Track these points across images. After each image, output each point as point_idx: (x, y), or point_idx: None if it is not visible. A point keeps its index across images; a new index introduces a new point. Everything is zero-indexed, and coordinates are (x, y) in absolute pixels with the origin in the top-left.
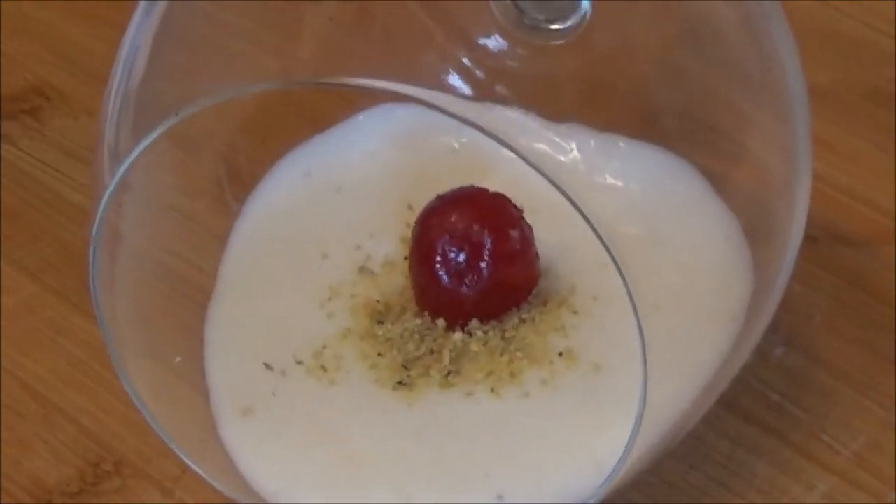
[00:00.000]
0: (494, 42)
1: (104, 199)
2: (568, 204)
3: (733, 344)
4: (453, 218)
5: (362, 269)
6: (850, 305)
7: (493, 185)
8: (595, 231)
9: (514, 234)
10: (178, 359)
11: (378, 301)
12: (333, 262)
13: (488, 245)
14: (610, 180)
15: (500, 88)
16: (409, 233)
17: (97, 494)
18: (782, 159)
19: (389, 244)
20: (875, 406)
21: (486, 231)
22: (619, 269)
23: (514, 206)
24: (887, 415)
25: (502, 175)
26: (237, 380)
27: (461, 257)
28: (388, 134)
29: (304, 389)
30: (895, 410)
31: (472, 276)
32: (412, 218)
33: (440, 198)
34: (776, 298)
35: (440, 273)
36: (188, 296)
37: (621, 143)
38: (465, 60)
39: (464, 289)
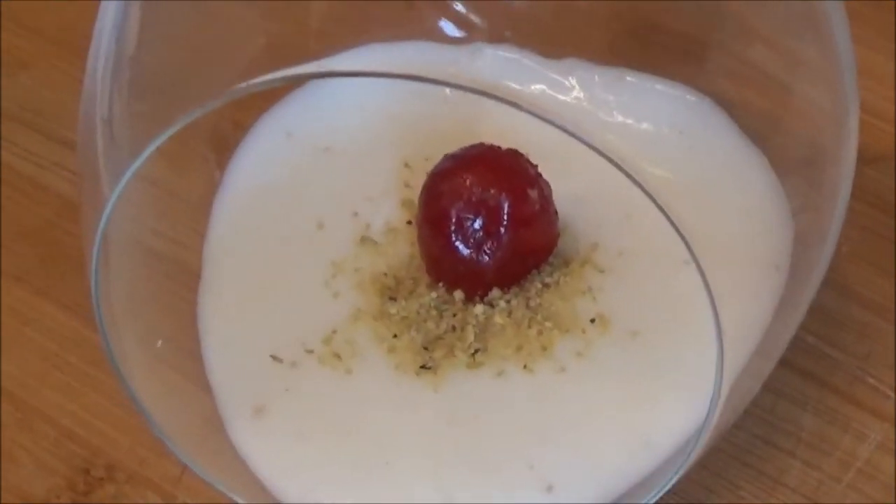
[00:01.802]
0: None
1: (107, 210)
2: (581, 152)
3: (781, 297)
4: (467, 181)
5: (364, 240)
6: (877, 232)
7: (492, 134)
8: (639, 184)
9: (533, 193)
10: (159, 342)
11: (385, 275)
12: (331, 232)
13: (506, 209)
14: (620, 118)
15: (490, 26)
16: (408, 194)
17: None
18: (830, 97)
19: (389, 208)
20: None
21: (504, 194)
22: (670, 220)
23: (530, 163)
24: None
25: (501, 122)
26: (244, 376)
27: (478, 224)
28: (376, 82)
29: (320, 382)
30: None
31: (492, 244)
32: (410, 177)
33: (449, 159)
34: (830, 247)
35: (456, 243)
36: (183, 282)
37: (629, 78)
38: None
39: (483, 258)
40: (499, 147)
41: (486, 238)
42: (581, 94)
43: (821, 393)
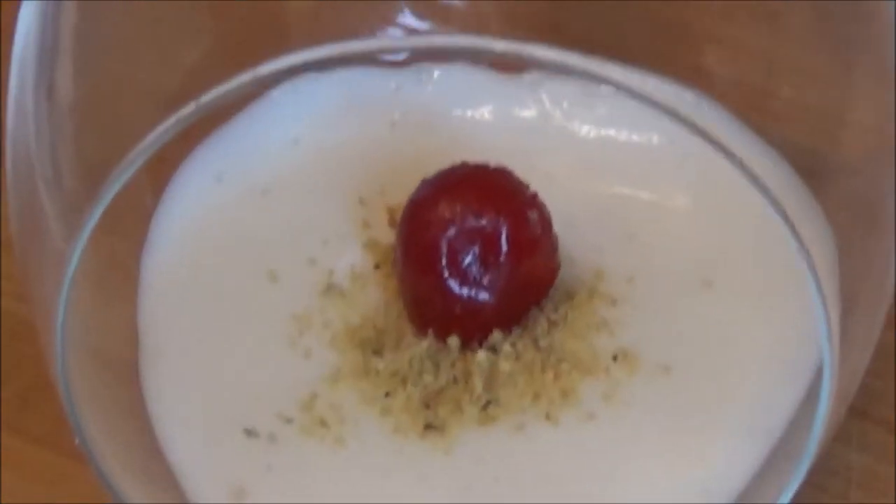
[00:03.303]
0: None
1: (65, 288)
2: (568, 167)
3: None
4: (456, 207)
5: (329, 289)
6: None
7: (453, 159)
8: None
9: (533, 216)
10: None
11: (361, 326)
12: (286, 284)
13: (505, 235)
14: (602, 132)
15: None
16: (371, 235)
17: None
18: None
19: (350, 252)
20: None
21: (501, 218)
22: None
23: (522, 183)
24: None
25: (462, 144)
26: (214, 458)
27: (474, 256)
28: (311, 113)
29: (307, 455)
30: None
31: (491, 277)
32: (368, 215)
33: (430, 183)
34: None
35: (449, 281)
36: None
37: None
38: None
39: (482, 295)
40: (486, 165)
41: (485, 271)
42: (551, 110)
43: (863, 426)
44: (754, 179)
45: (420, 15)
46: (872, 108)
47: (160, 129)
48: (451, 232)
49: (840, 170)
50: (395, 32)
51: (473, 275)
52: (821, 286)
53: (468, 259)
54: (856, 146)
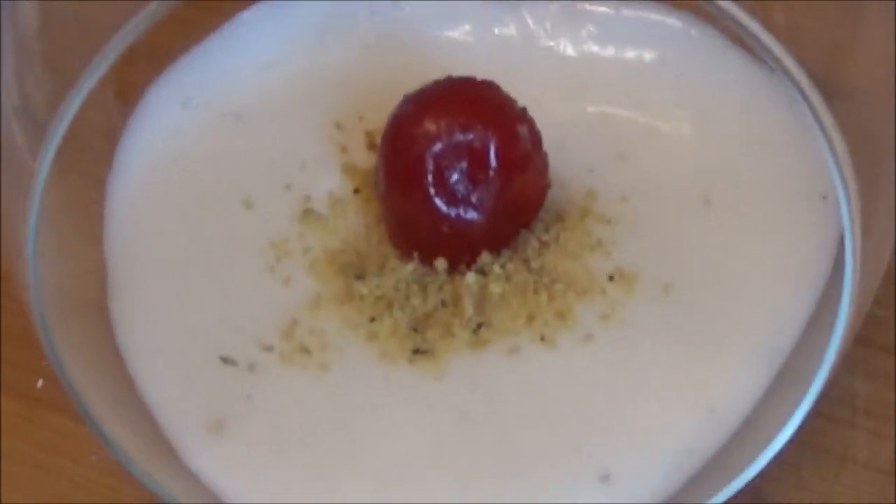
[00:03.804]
0: None
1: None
2: (557, 85)
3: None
4: (442, 121)
5: (307, 214)
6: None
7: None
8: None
9: (523, 130)
10: (39, 382)
11: (342, 251)
12: (262, 210)
13: (494, 150)
14: (593, 48)
15: None
16: (349, 159)
17: None
18: None
19: (328, 177)
20: None
21: (490, 132)
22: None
23: (511, 98)
24: None
25: (442, 64)
26: (190, 390)
27: (461, 172)
28: (285, 36)
29: (289, 383)
30: None
31: (480, 195)
32: (346, 139)
33: (414, 98)
34: None
35: (436, 199)
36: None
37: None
38: None
39: (470, 214)
40: (473, 78)
41: (473, 188)
42: (535, 30)
43: (867, 353)
44: (772, 56)
45: None
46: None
47: (122, 31)
48: (437, 147)
49: (844, 96)
50: None
51: (461, 192)
52: (843, 173)
53: (455, 176)
54: (861, 73)
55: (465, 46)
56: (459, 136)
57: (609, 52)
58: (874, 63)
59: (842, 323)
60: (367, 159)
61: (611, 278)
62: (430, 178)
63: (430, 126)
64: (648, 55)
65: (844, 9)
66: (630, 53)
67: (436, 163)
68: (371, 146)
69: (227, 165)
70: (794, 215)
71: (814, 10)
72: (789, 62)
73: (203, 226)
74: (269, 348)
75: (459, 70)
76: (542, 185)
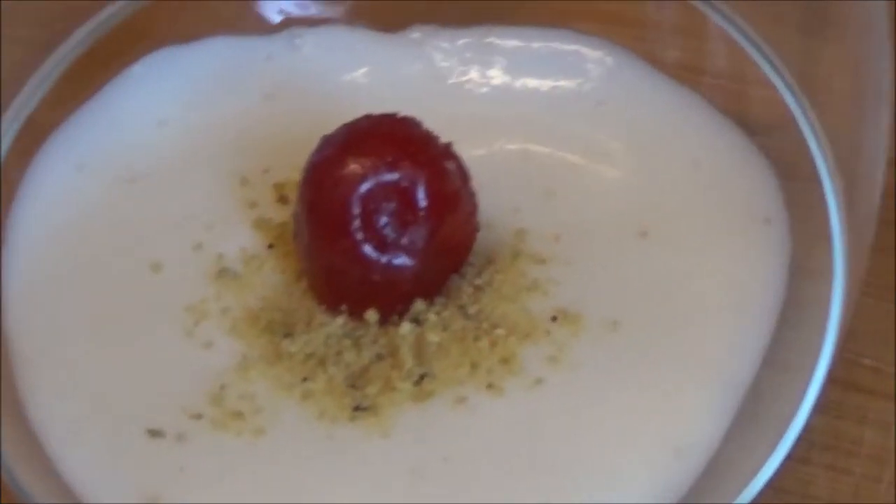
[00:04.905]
0: None
1: None
2: (471, 128)
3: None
4: (367, 161)
5: (222, 274)
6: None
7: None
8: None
9: (451, 166)
10: None
11: (263, 309)
12: (173, 273)
13: (424, 189)
14: (505, 80)
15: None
16: (259, 213)
17: None
18: None
19: (239, 234)
20: None
21: (418, 168)
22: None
23: (433, 133)
24: None
25: (344, 112)
26: (118, 466)
27: (390, 214)
28: (178, 89)
29: (223, 451)
30: None
31: (410, 238)
32: (253, 195)
33: (332, 140)
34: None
35: (365, 245)
36: None
37: (497, 38)
38: None
39: (401, 259)
40: (393, 115)
41: (403, 231)
42: (443, 67)
43: None
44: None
45: None
46: None
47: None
48: (364, 189)
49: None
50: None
51: (391, 236)
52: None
53: (384, 219)
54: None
55: (368, 89)
56: (386, 176)
57: (523, 85)
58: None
59: (822, 369)
60: (278, 213)
61: (554, 319)
62: (357, 223)
63: (355, 167)
64: (564, 86)
65: None
66: (545, 86)
67: (363, 206)
68: (282, 199)
69: (130, 229)
70: (736, 241)
71: None
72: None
73: (110, 293)
74: (198, 416)
75: (365, 113)
76: (472, 224)
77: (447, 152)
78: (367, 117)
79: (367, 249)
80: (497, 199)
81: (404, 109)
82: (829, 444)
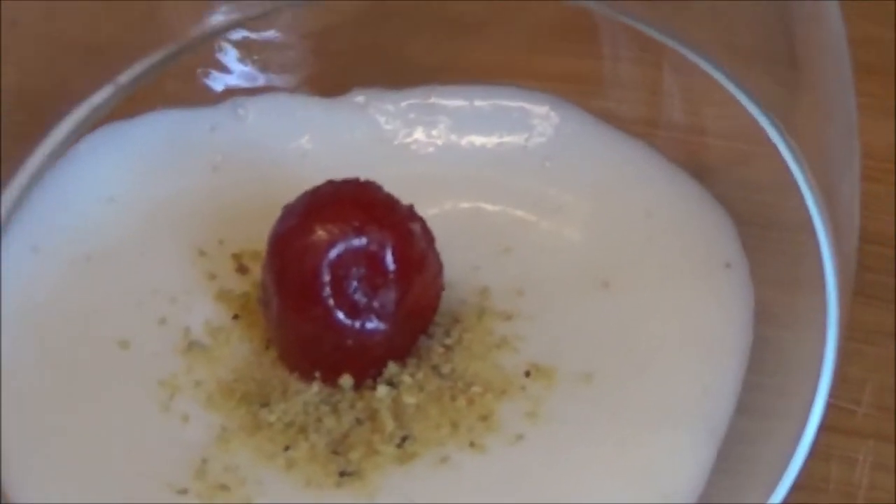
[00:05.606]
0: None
1: None
2: (419, 189)
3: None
4: (334, 227)
5: (191, 347)
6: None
7: (290, 194)
8: None
9: (416, 228)
10: None
11: (236, 381)
12: (141, 349)
13: (391, 250)
14: (452, 139)
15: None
16: (221, 285)
17: None
18: None
19: (202, 306)
20: (865, 344)
21: (385, 232)
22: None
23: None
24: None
25: (294, 179)
26: None
27: (359, 278)
28: (125, 164)
29: None
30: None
31: (380, 301)
32: (212, 266)
33: (294, 209)
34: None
35: (337, 311)
36: None
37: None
38: None
39: (373, 323)
40: (356, 179)
41: (374, 295)
42: (388, 129)
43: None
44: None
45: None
46: None
47: None
48: (333, 255)
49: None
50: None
51: (362, 301)
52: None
53: (354, 284)
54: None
55: (314, 155)
56: (354, 241)
57: (469, 143)
58: None
59: (816, 415)
60: (239, 284)
61: (527, 374)
62: (328, 290)
63: (322, 234)
64: (510, 143)
65: None
66: (491, 143)
67: (333, 272)
68: (241, 269)
69: (93, 308)
70: (699, 286)
71: None
72: None
73: (79, 374)
74: (184, 491)
75: (314, 180)
76: (438, 284)
77: (411, 214)
78: (330, 183)
79: (340, 316)
80: (455, 259)
81: (352, 173)
82: (800, 483)
